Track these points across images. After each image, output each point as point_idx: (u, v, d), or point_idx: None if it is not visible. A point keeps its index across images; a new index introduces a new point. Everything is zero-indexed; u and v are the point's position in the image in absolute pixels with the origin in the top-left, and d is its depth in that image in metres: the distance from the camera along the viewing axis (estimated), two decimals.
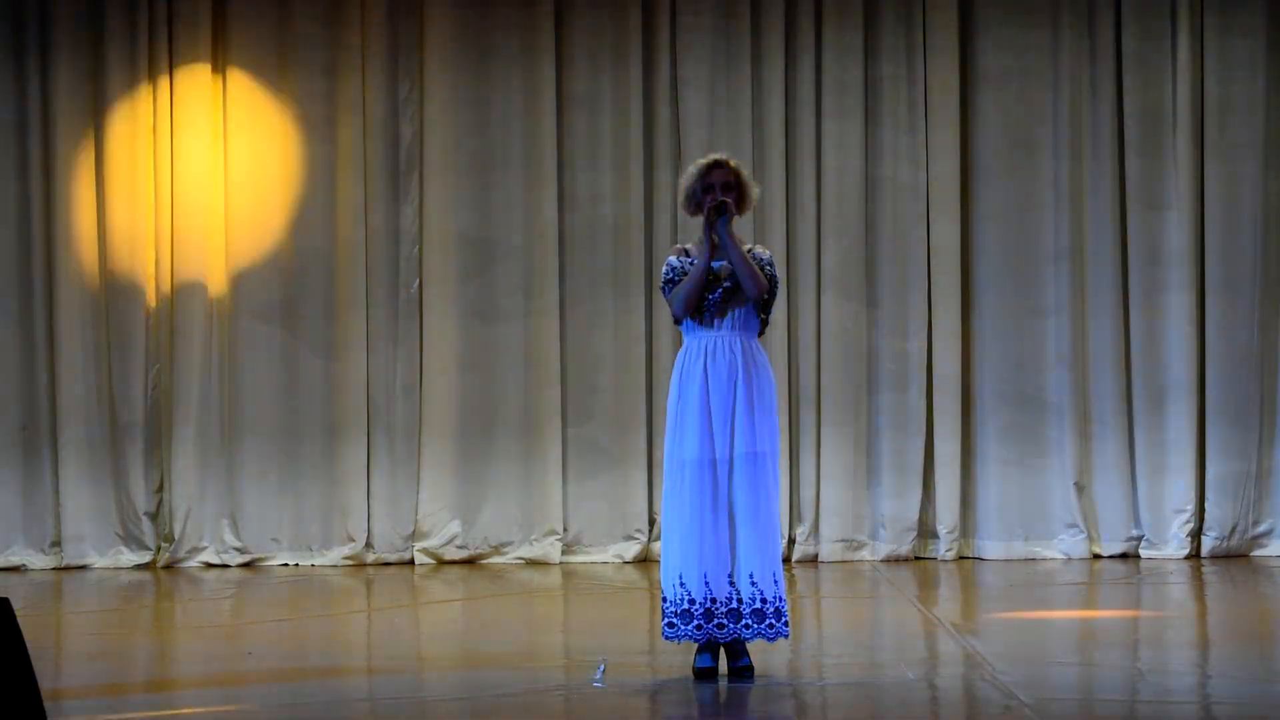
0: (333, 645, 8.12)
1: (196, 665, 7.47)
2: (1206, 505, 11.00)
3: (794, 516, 11.01)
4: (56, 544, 10.96)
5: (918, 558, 11.03)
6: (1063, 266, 11.05)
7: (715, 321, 6.79)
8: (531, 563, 10.98)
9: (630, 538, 11.03)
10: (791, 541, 10.98)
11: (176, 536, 10.95)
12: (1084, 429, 11.04)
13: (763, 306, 6.83)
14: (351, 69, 11.03)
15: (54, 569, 10.90)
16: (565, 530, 11.06)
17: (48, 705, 5.31)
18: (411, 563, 11.00)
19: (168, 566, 10.91)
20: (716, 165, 6.85)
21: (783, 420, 10.73)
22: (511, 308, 11.07)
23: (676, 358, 6.86)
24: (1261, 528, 11.03)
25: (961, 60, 11.09)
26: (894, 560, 10.94)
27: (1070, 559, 10.93)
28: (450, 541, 11.02)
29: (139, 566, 10.92)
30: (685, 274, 6.79)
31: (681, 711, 6.35)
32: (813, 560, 10.97)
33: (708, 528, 6.65)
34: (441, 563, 10.99)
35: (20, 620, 5.24)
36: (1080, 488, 11.03)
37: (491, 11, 11.07)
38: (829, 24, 11.07)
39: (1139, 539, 11.03)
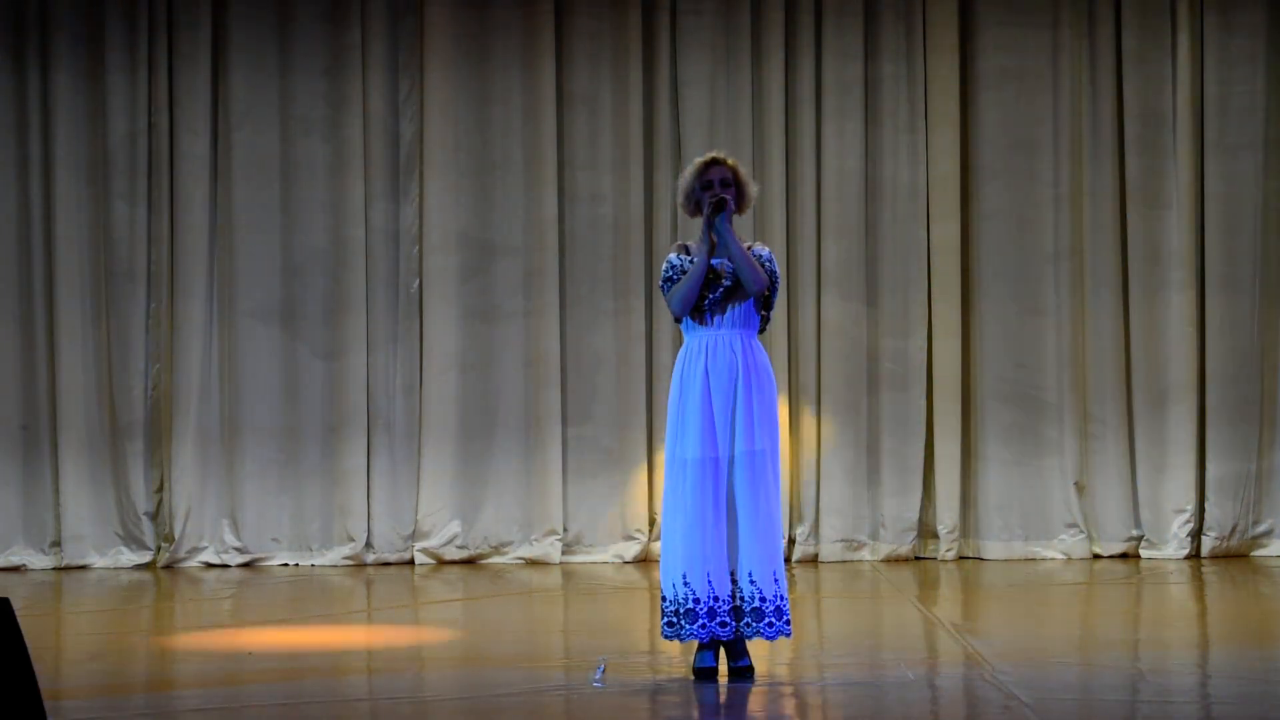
0: (333, 645, 8.11)
1: (196, 665, 7.47)
2: (1206, 505, 11.01)
3: (794, 516, 11.01)
4: (56, 544, 10.96)
5: (918, 558, 11.03)
6: (1063, 266, 11.06)
7: (715, 320, 6.78)
8: (531, 563, 10.98)
9: (630, 538, 11.03)
10: (791, 541, 10.98)
11: (176, 536, 10.95)
12: (1084, 429, 11.04)
13: (764, 303, 6.83)
14: (351, 69, 11.03)
15: (54, 569, 10.91)
16: (565, 530, 11.06)
17: (48, 705, 5.31)
18: (411, 563, 11.01)
19: (168, 566, 10.91)
20: (714, 163, 6.84)
21: (783, 420, 10.73)
22: (511, 308, 11.07)
23: (677, 357, 6.85)
24: (1261, 528, 11.03)
25: (961, 60, 11.09)
26: (894, 560, 10.94)
27: (1070, 559, 10.94)
28: (450, 541, 11.02)
29: (139, 566, 10.93)
30: (685, 272, 6.78)
31: (681, 711, 6.35)
32: (813, 560, 10.97)
33: (709, 526, 6.64)
34: (441, 563, 11.00)
35: (20, 620, 5.24)
36: (1080, 488, 11.03)
37: (491, 11, 11.07)
38: (829, 24, 11.08)
39: (1139, 539, 11.03)
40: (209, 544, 10.98)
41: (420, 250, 11.04)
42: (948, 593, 9.83)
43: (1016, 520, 11.03)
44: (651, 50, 11.09)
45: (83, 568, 10.91)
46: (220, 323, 11.01)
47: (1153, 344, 11.02)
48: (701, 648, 6.75)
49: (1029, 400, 11.07)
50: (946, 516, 11.00)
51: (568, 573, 10.65)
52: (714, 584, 6.65)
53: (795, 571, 10.53)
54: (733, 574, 6.68)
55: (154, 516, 11.02)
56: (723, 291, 6.75)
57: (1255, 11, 11.05)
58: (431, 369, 11.06)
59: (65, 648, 8.13)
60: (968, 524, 11.09)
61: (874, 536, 11.01)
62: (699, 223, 6.85)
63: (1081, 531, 11.00)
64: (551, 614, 9.25)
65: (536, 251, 11.05)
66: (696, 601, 6.65)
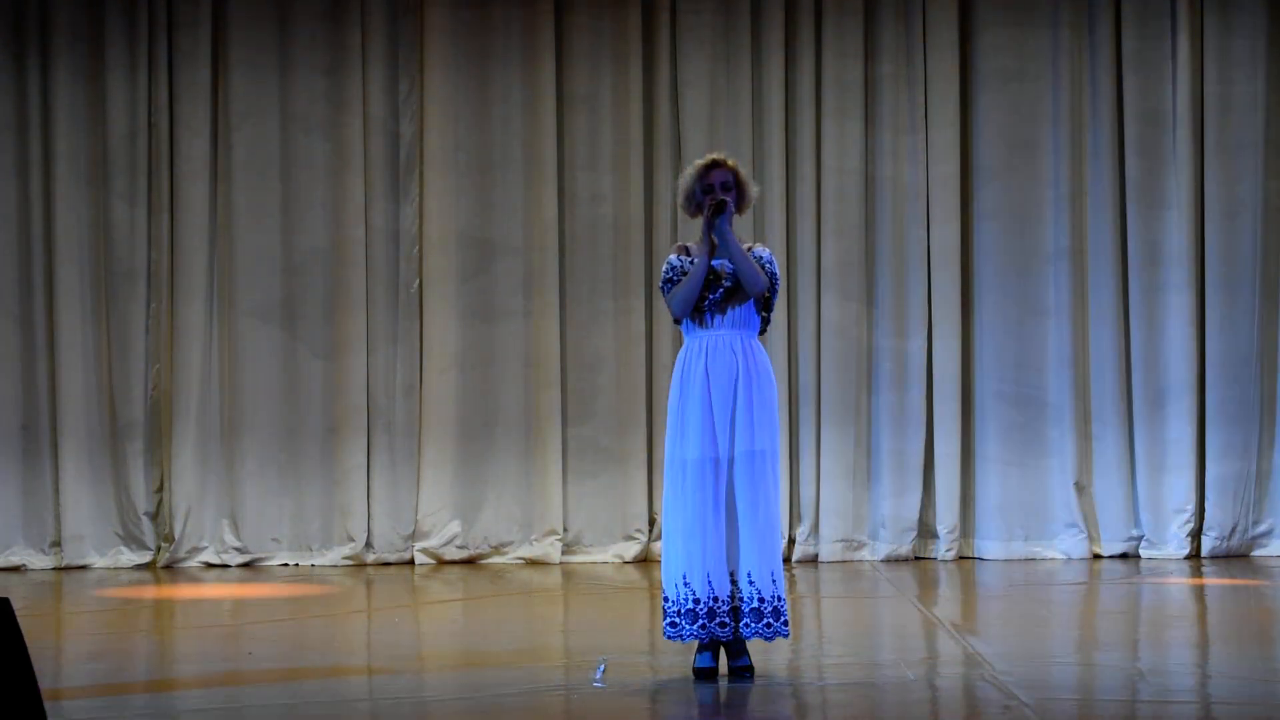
0: (333, 645, 8.11)
1: (196, 665, 7.47)
2: (1206, 505, 11.01)
3: (794, 516, 11.02)
4: (56, 544, 10.96)
5: (918, 558, 11.03)
6: (1063, 266, 11.06)
7: (715, 321, 6.78)
8: (531, 563, 10.98)
9: (630, 538, 11.03)
10: (791, 541, 10.98)
11: (176, 536, 10.95)
12: (1084, 429, 11.04)
13: (764, 305, 6.83)
14: (351, 69, 11.03)
15: (54, 569, 10.90)
16: (565, 530, 11.06)
17: (48, 705, 5.31)
18: (411, 563, 11.01)
19: (168, 566, 10.91)
20: (715, 165, 6.85)
21: (783, 420, 10.73)
22: (511, 308, 11.07)
23: (677, 357, 6.85)
24: (1261, 528, 11.03)
25: (961, 60, 11.09)
26: (894, 560, 10.94)
27: (1070, 559, 10.93)
28: (450, 541, 11.02)
29: (139, 566, 10.92)
30: (685, 273, 6.78)
31: (681, 711, 6.35)
32: (813, 560, 10.97)
33: (709, 527, 6.65)
34: (441, 563, 10.99)
35: (20, 620, 5.24)
36: (1080, 488, 11.03)
37: (491, 11, 11.07)
38: (829, 24, 11.08)
39: (1139, 539, 11.03)
40: (209, 544, 10.98)
41: (420, 250, 11.04)
42: (948, 593, 9.83)
43: (1016, 520, 11.03)
44: (651, 50, 11.09)
45: (83, 568, 10.91)
46: (220, 323, 11.01)
47: (1153, 344, 11.02)
48: (701, 648, 6.75)
49: (1029, 400, 11.06)
50: (946, 516, 10.99)
51: (568, 573, 10.65)
52: (714, 584, 6.66)
53: (795, 571, 10.53)
54: (732, 574, 6.68)
55: (154, 516, 11.02)
56: (723, 293, 6.75)
57: (1255, 11, 11.05)
58: (431, 369, 11.06)
59: (65, 648, 8.13)
60: (968, 524, 11.09)
61: (874, 536, 11.01)
62: (699, 223, 6.86)
63: (1081, 531, 11.00)
64: (551, 614, 9.25)
65: (536, 251, 11.05)
66: (696, 602, 6.66)
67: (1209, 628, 8.57)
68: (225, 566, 10.92)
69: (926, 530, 11.07)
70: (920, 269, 11.07)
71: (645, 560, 10.96)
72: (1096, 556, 10.99)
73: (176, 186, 11.00)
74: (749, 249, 6.81)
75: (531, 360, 11.05)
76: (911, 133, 11.06)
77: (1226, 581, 10.08)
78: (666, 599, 6.74)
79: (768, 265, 6.80)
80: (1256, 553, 11.01)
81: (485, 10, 11.07)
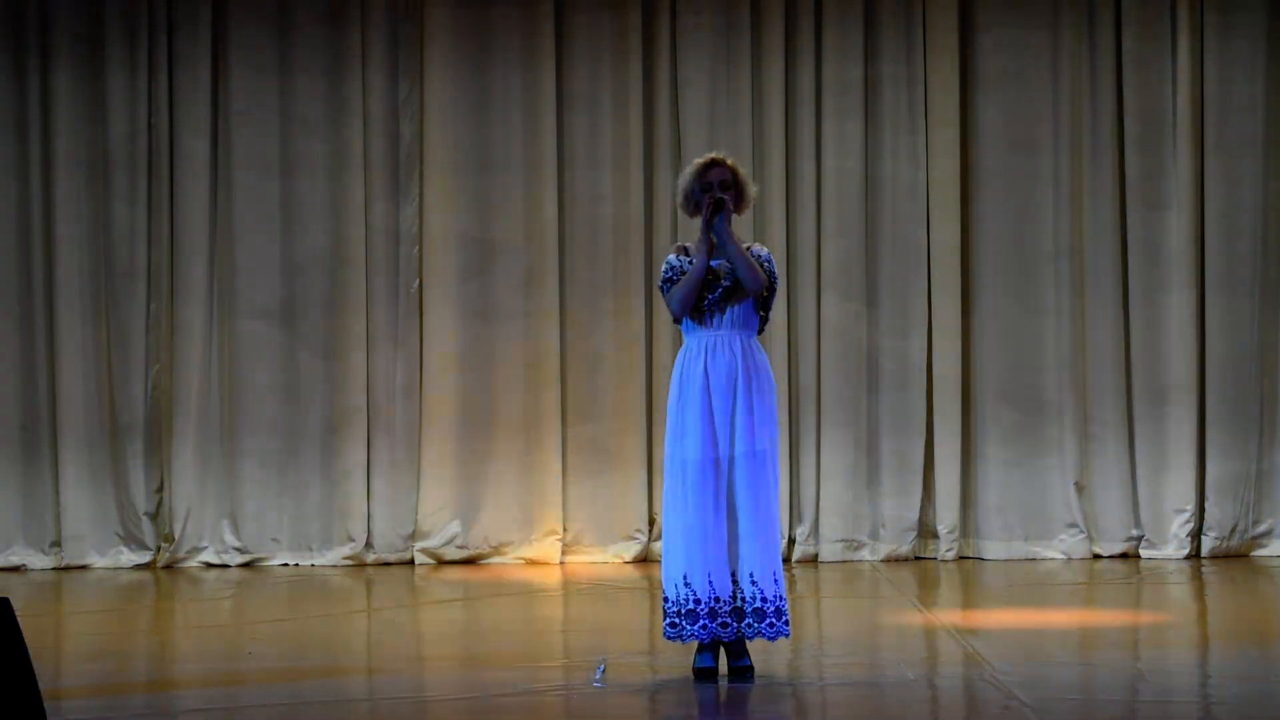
0: (333, 645, 8.11)
1: (196, 665, 7.47)
2: (1206, 505, 11.00)
3: (794, 516, 11.02)
4: (56, 544, 10.96)
5: (918, 558, 11.03)
6: (1063, 266, 11.06)
7: (714, 320, 6.78)
8: (531, 563, 10.98)
9: (630, 538, 11.03)
10: (791, 541, 10.98)
11: (176, 536, 10.95)
12: (1084, 429, 11.04)
13: (762, 304, 6.83)
14: (351, 69, 11.03)
15: (54, 569, 10.90)
16: (565, 530, 11.06)
17: (48, 705, 5.31)
18: (411, 563, 11.01)
19: (168, 566, 10.92)
20: (713, 164, 6.85)
21: (783, 420, 10.73)
22: (511, 308, 11.07)
23: (676, 357, 6.85)
24: (1261, 528, 11.03)
25: (961, 60, 11.09)
26: (894, 560, 10.94)
27: (1070, 559, 10.93)
28: (450, 541, 11.02)
29: (139, 566, 10.92)
30: (684, 273, 6.78)
31: (681, 711, 6.35)
32: (813, 560, 10.97)
33: (710, 527, 6.65)
34: (441, 563, 11.00)
35: (20, 620, 5.24)
36: (1080, 488, 11.03)
37: (491, 11, 11.07)
38: (829, 24, 11.08)
39: (1139, 539, 11.03)
40: (209, 544, 10.98)
41: (420, 250, 11.04)
42: (948, 593, 9.83)
43: (1016, 520, 11.03)
44: (651, 50, 11.09)
45: (83, 568, 10.91)
46: (220, 323, 11.01)
47: (1153, 344, 11.02)
48: (701, 648, 6.75)
49: (1029, 400, 11.06)
50: (946, 516, 10.99)
51: (568, 573, 10.65)
52: (715, 584, 6.66)
53: (795, 571, 10.54)
54: (733, 574, 6.68)
55: (154, 516, 11.02)
56: (722, 292, 6.76)
57: (1255, 11, 11.04)
58: (431, 369, 11.06)
59: (65, 648, 8.13)
60: (968, 524, 11.09)
61: (874, 536, 11.01)
62: (699, 223, 6.86)
63: (1081, 531, 11.00)
64: (551, 614, 9.26)
65: (536, 251, 11.05)
66: (697, 602, 6.66)
67: (1209, 628, 8.57)
68: (225, 566, 10.92)
69: (926, 530, 11.07)
70: (920, 269, 11.07)
71: (645, 560, 10.96)
72: (1096, 556, 10.99)
73: (176, 186, 11.01)
74: (747, 248, 6.81)
75: (531, 360, 11.05)
76: (911, 133, 11.06)
77: (1226, 582, 10.08)
78: (667, 599, 6.73)
79: (766, 264, 6.80)
80: (1256, 553, 11.01)
81: (485, 10, 11.07)
